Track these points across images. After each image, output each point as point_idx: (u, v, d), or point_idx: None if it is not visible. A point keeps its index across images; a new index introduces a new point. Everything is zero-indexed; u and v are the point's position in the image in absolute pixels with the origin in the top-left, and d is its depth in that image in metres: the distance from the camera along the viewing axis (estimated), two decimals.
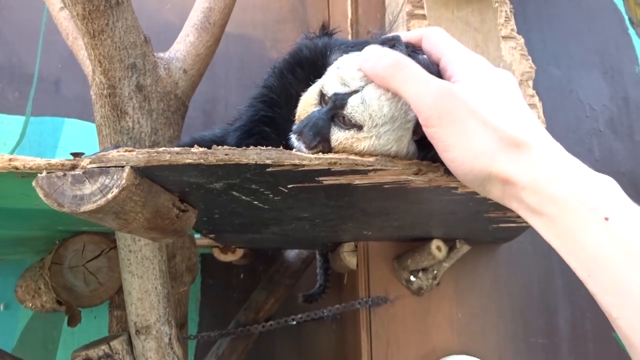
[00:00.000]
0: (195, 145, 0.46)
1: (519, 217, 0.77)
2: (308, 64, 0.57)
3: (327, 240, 1.09)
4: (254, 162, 0.46)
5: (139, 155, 0.45)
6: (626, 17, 1.18)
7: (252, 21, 1.68)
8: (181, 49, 1.08)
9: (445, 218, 0.79)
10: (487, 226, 0.84)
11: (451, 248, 1.03)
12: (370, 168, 0.49)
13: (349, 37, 1.21)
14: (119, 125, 0.97)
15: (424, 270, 1.06)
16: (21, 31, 1.49)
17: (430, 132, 0.47)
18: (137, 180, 0.47)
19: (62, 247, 0.93)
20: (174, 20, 1.57)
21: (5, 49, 1.48)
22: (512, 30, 0.91)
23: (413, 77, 0.47)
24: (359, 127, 0.50)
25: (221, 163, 0.46)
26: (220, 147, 0.46)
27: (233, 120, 0.63)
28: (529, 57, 0.90)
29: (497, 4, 0.92)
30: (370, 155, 0.50)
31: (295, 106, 0.55)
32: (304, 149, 0.50)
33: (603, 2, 1.20)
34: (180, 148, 0.45)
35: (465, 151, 0.46)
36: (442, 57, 0.50)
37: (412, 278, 1.07)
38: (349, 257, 1.10)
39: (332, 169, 0.49)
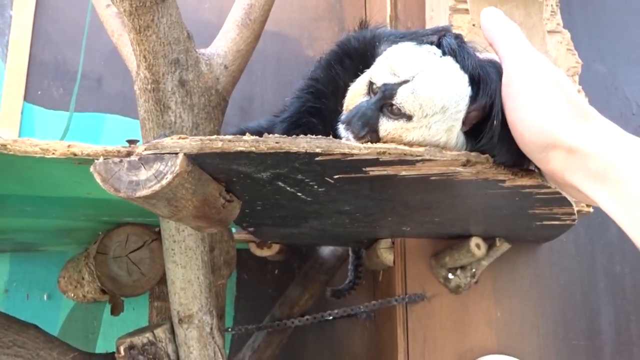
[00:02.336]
0: (247, 134, 0.46)
1: (564, 213, 0.76)
2: (357, 55, 0.57)
3: (364, 236, 1.09)
4: (304, 151, 0.46)
5: (192, 143, 0.46)
6: None
7: (288, 19, 1.69)
8: (222, 45, 1.10)
9: (488, 214, 0.78)
10: (530, 223, 0.83)
11: (490, 246, 1.02)
12: (419, 158, 0.49)
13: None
14: (162, 119, 0.99)
15: (462, 268, 1.05)
16: (66, 29, 1.53)
17: (509, 91, 0.50)
18: (190, 167, 0.48)
19: (107, 238, 0.95)
20: (212, 19, 1.60)
21: (51, 46, 1.53)
22: (557, 24, 0.89)
23: (519, 42, 0.51)
24: (409, 117, 0.50)
25: (272, 151, 0.46)
26: (271, 135, 0.47)
27: (279, 112, 0.64)
28: (575, 52, 0.88)
29: None
30: (419, 145, 0.50)
31: (343, 97, 0.55)
32: (352, 139, 0.50)
33: None
34: (232, 136, 0.46)
35: (539, 112, 0.48)
36: (516, 30, 0.53)
37: (450, 276, 1.06)
38: (385, 254, 1.09)
39: (381, 159, 0.49)
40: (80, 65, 1.53)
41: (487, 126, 0.51)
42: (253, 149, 0.46)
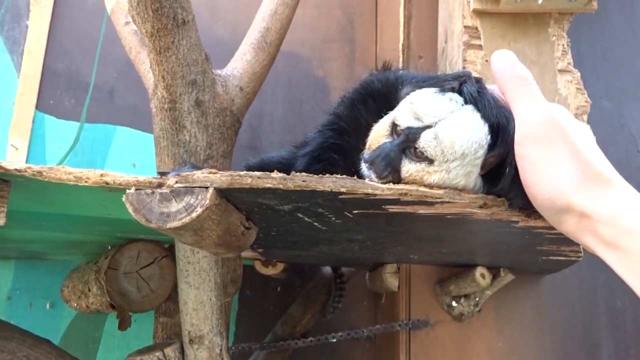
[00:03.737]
0: (275, 171, 0.48)
1: (571, 250, 0.78)
2: (380, 96, 0.59)
3: (370, 261, 1.10)
4: (329, 190, 0.48)
5: (222, 178, 0.48)
6: None
7: (300, 40, 1.71)
8: (238, 66, 1.12)
9: (497, 248, 0.79)
10: (537, 258, 0.84)
11: (495, 276, 1.03)
12: (439, 200, 0.51)
13: (400, 61, 1.23)
14: (177, 138, 1.01)
15: (466, 296, 1.07)
16: (80, 41, 1.55)
17: (521, 151, 0.50)
18: (218, 200, 0.50)
19: (119, 253, 0.96)
20: (225, 36, 1.62)
21: (65, 57, 1.55)
22: (568, 63, 0.92)
23: (530, 94, 0.51)
24: (430, 161, 0.52)
25: (298, 189, 0.48)
26: (298, 174, 0.48)
27: (299, 144, 0.66)
28: (585, 91, 0.90)
29: (554, 38, 0.93)
30: (439, 187, 0.52)
31: (364, 136, 0.57)
32: (375, 178, 0.52)
33: None
34: (261, 173, 0.48)
35: (551, 177, 0.49)
36: (527, 79, 0.52)
37: (453, 303, 1.07)
38: (390, 279, 1.11)
39: (402, 199, 0.51)
40: (92, 77, 1.55)
41: (503, 172, 0.53)
42: (280, 186, 0.48)
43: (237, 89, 1.10)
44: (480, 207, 0.53)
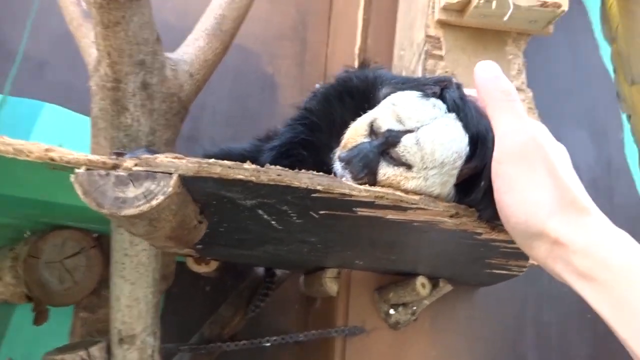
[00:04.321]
0: (248, 162, 0.45)
1: (517, 265, 0.79)
2: (358, 94, 0.57)
3: (312, 264, 1.07)
4: (304, 187, 0.45)
5: (188, 164, 0.44)
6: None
7: (252, 33, 1.66)
8: (190, 52, 1.06)
9: (447, 258, 0.80)
10: (481, 270, 0.86)
11: (434, 286, 1.04)
12: (414, 206, 0.49)
13: (356, 65, 1.22)
14: (118, 120, 0.94)
15: (404, 305, 1.07)
16: (10, 6, 1.42)
17: (499, 169, 0.48)
18: (180, 189, 0.45)
19: (42, 241, 0.87)
20: (173, 21, 1.54)
21: None
22: (522, 82, 0.94)
23: (513, 111, 0.49)
24: (409, 167, 0.50)
25: (271, 183, 0.44)
26: (272, 166, 0.45)
27: (263, 137, 0.62)
28: (536, 111, 0.93)
29: (511, 56, 0.95)
30: (415, 193, 0.50)
31: (337, 133, 0.55)
32: (349, 179, 0.50)
33: (598, 68, 1.26)
34: (232, 162, 0.44)
35: (527, 199, 0.47)
36: (511, 95, 0.51)
37: (391, 311, 1.07)
38: (330, 283, 1.09)
39: (376, 202, 0.48)
40: (22, 47, 1.42)
41: (477, 184, 0.52)
42: (253, 178, 0.44)
43: (187, 75, 1.05)
44: (451, 216, 0.52)
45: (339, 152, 0.53)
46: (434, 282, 1.03)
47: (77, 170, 0.43)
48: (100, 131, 0.95)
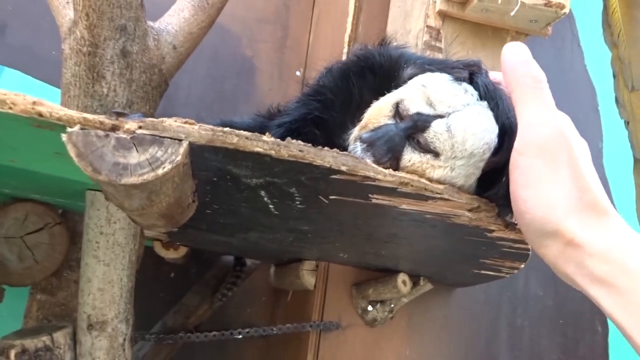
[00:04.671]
0: (268, 134, 0.40)
1: (510, 267, 0.77)
2: (381, 72, 0.53)
3: (290, 255, 1.03)
4: (328, 166, 0.41)
5: (201, 131, 0.39)
6: (598, 95, 1.26)
7: (232, 14, 1.59)
8: (173, 22, 1.00)
9: (441, 256, 0.77)
10: (470, 270, 0.83)
11: (414, 284, 1.01)
12: (438, 196, 0.45)
13: (345, 53, 1.18)
14: (92, 88, 0.88)
15: (382, 302, 1.04)
16: None
17: (518, 160, 0.45)
18: (187, 159, 0.40)
19: (1, 213, 0.79)
20: None
21: None
22: None
23: (542, 100, 0.46)
24: (436, 154, 0.47)
25: (291, 159, 0.40)
26: (294, 141, 0.40)
27: (266, 113, 0.57)
28: None
29: None
30: (439, 183, 0.47)
31: (353, 112, 0.51)
32: (370, 162, 0.46)
33: (581, 77, 1.27)
34: (250, 133, 0.39)
35: (545, 196, 0.45)
36: (541, 82, 0.48)
37: (369, 308, 1.04)
38: (307, 276, 1.05)
39: (398, 189, 0.45)
40: None
41: (498, 178, 0.49)
42: (272, 152, 0.39)
43: (170, 47, 0.98)
44: (471, 209, 0.49)
45: (357, 132, 0.49)
46: (415, 280, 1.01)
47: (70, 129, 0.37)
48: (72, 99, 0.88)
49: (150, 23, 0.93)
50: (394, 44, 0.57)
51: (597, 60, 1.30)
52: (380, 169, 0.44)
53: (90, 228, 0.65)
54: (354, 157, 0.42)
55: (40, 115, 0.38)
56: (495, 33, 0.95)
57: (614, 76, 0.92)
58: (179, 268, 1.38)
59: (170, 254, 1.19)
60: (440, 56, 0.91)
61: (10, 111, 0.38)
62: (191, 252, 1.28)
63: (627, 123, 0.89)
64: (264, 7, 1.63)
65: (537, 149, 0.45)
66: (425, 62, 0.53)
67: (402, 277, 0.98)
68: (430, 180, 0.47)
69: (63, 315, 0.91)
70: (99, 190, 0.64)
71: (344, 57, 1.19)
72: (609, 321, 1.20)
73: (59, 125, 0.39)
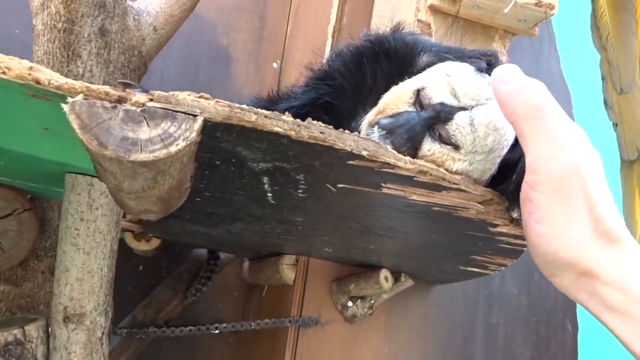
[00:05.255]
0: (287, 113, 0.37)
1: (499, 264, 0.77)
2: (396, 57, 0.51)
3: (271, 249, 1.00)
4: (349, 150, 0.38)
5: (217, 107, 0.36)
6: (573, 100, 1.28)
7: (207, 1, 1.55)
8: (154, 3, 0.96)
9: (430, 251, 0.76)
10: (456, 267, 0.83)
11: (396, 280, 1.00)
12: (454, 187, 0.44)
13: (329, 44, 1.16)
14: (67, 67, 0.83)
15: (362, 298, 1.02)
16: None
17: (532, 195, 0.44)
18: (199, 137, 0.37)
19: None
20: None
21: None
22: None
23: (547, 132, 0.43)
24: (456, 147, 0.45)
25: (312, 141, 0.37)
26: (315, 122, 0.38)
27: (268, 98, 0.54)
28: None
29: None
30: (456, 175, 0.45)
31: (365, 98, 0.49)
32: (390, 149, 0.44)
33: (557, 82, 1.29)
34: (269, 112, 0.37)
35: (561, 234, 0.44)
36: (542, 110, 0.46)
37: (349, 304, 1.02)
38: (287, 271, 1.02)
39: (416, 178, 0.43)
40: None
41: (509, 175, 0.48)
42: (292, 133, 0.37)
43: (150, 28, 0.94)
44: (482, 202, 0.48)
45: (374, 116, 0.47)
46: (396, 276, 1.00)
47: (72, 99, 0.34)
48: None
49: (130, 2, 0.89)
50: (406, 30, 0.55)
51: (574, 66, 1.33)
52: (401, 156, 0.42)
53: (70, 214, 0.60)
54: (375, 142, 0.40)
55: (38, 82, 0.34)
56: (484, 31, 0.95)
57: (603, 78, 0.93)
58: (148, 261, 1.33)
59: (141, 246, 1.14)
60: None
61: (3, 76, 0.34)
62: (163, 245, 1.23)
63: (615, 125, 0.91)
64: None
65: (550, 187, 0.43)
66: (441, 49, 0.52)
67: (384, 272, 0.97)
68: (449, 171, 0.45)
69: (29, 307, 0.86)
70: (80, 174, 0.60)
71: (327, 49, 1.17)
72: (579, 320, 1.23)
73: (58, 95, 0.35)
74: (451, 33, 0.93)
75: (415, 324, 1.07)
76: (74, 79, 0.87)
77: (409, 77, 0.49)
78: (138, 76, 0.96)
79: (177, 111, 0.35)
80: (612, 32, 0.90)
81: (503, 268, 0.79)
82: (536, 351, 1.16)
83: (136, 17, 0.91)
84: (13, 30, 1.20)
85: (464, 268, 0.83)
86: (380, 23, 1.08)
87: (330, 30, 1.17)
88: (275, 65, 1.56)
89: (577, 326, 1.23)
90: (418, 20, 0.91)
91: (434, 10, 0.92)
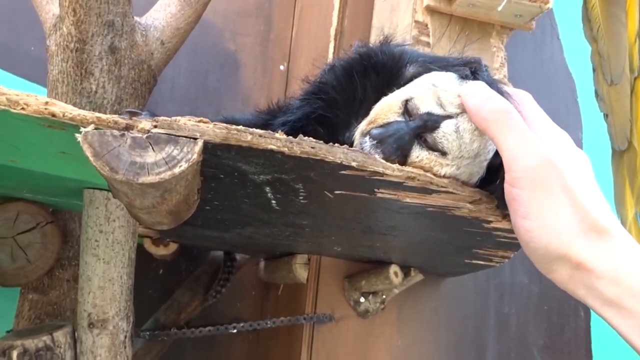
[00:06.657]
0: (280, 131, 0.41)
1: (501, 256, 0.79)
2: (384, 70, 0.54)
3: (283, 249, 1.04)
4: (339, 162, 0.42)
5: (216, 130, 0.39)
6: (577, 89, 1.29)
7: (213, 7, 1.57)
8: (160, 17, 1.00)
9: (434, 247, 0.79)
10: (462, 260, 0.85)
11: (405, 275, 1.03)
12: (443, 190, 0.47)
13: (331, 47, 1.19)
14: (80, 85, 0.87)
15: (374, 293, 1.06)
16: None
17: (513, 193, 0.46)
18: (201, 157, 0.40)
19: None
20: None
21: None
22: (504, 76, 0.95)
23: (517, 130, 0.45)
24: (443, 153, 0.48)
25: (304, 156, 0.41)
26: (305, 138, 0.41)
27: (267, 110, 0.58)
28: None
29: (495, 49, 0.95)
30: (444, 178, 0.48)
31: (356, 110, 0.52)
32: (379, 159, 0.47)
33: (561, 70, 1.30)
34: (263, 131, 0.40)
35: (547, 225, 0.45)
36: (527, 118, 0.48)
37: (361, 299, 1.05)
38: (300, 270, 1.05)
39: (405, 183, 0.46)
40: None
41: (496, 177, 0.51)
42: (285, 149, 0.40)
43: (157, 42, 0.98)
44: (472, 202, 0.50)
45: (365, 126, 0.50)
46: (406, 270, 1.03)
47: (85, 129, 0.37)
48: (59, 96, 0.88)
49: (137, 19, 0.93)
50: (395, 42, 0.58)
51: (577, 54, 1.33)
52: (389, 164, 0.45)
53: (89, 226, 0.65)
54: (363, 153, 0.44)
55: (53, 115, 0.38)
56: (481, 28, 0.96)
57: (594, 70, 0.94)
58: (168, 264, 1.38)
59: (160, 251, 1.19)
60: (428, 50, 0.92)
61: (23, 112, 0.38)
62: (180, 248, 1.28)
63: (606, 116, 0.92)
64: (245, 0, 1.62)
65: (527, 181, 0.45)
66: (427, 60, 0.54)
67: (393, 268, 1.00)
68: (436, 175, 0.48)
69: (55, 314, 0.90)
70: (97, 189, 0.64)
71: (330, 51, 1.20)
72: None
73: (71, 125, 0.39)
74: (449, 32, 0.95)
75: (427, 317, 1.10)
76: (87, 96, 0.91)
77: (398, 88, 0.52)
78: (148, 89, 1.00)
79: (179, 135, 0.38)
80: (603, 24, 0.91)
81: (506, 260, 0.81)
82: (549, 338, 1.18)
83: (144, 33, 0.95)
84: (29, 47, 1.25)
85: (469, 261, 0.86)
86: (380, 25, 1.11)
87: (332, 32, 1.20)
88: (282, 67, 1.59)
89: (589, 312, 1.24)
90: (415, 21, 0.93)
91: (430, 10, 0.94)
